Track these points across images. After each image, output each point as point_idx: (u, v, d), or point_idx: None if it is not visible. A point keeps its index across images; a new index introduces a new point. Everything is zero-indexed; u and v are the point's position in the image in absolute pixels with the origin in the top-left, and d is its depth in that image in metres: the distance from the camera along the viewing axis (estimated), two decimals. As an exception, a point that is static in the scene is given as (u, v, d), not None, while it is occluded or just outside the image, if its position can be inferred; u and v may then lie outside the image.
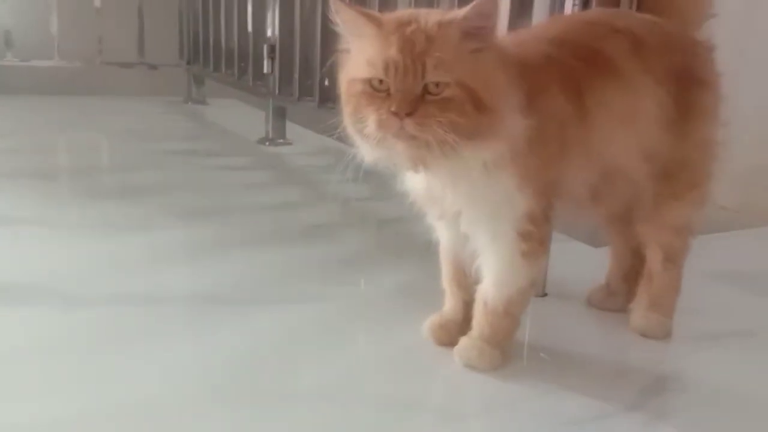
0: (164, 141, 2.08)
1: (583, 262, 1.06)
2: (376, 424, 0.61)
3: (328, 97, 1.73)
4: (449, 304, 0.79)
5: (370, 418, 0.62)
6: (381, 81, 0.63)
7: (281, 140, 2.06)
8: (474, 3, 0.62)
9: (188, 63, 2.85)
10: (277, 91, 1.97)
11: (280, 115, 2.05)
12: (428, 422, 0.63)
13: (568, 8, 0.91)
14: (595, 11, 0.88)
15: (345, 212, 1.42)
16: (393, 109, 0.61)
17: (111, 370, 0.70)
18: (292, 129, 2.09)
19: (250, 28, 2.14)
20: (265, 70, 1.99)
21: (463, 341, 0.74)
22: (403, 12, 0.66)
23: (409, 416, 0.63)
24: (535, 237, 0.69)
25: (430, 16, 0.64)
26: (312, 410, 0.63)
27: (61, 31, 2.75)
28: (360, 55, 0.65)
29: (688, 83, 0.77)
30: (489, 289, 0.72)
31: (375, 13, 0.67)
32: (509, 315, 0.72)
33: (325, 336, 0.79)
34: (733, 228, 1.40)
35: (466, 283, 0.77)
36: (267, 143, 2.05)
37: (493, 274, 0.71)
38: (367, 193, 1.45)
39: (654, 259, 0.82)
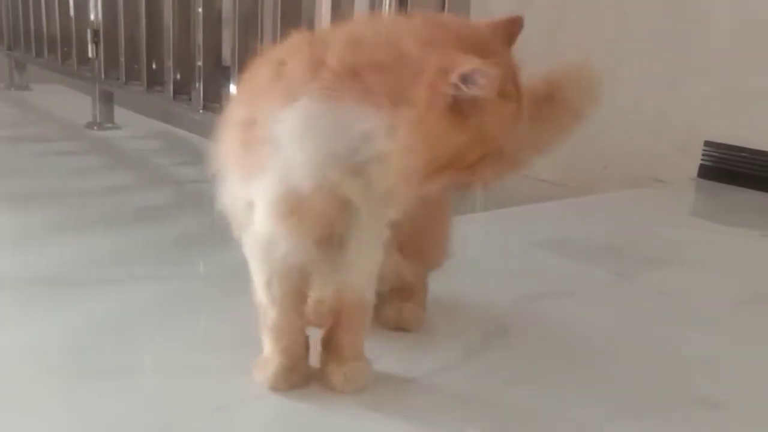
0: (-15, 128, 2.02)
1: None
2: (212, 392, 0.64)
3: (156, 81, 1.76)
4: (289, 339, 0.65)
5: (207, 387, 0.64)
6: None
7: (109, 125, 2.05)
8: None
9: (9, 49, 2.74)
10: (102, 76, 1.96)
11: (107, 99, 2.04)
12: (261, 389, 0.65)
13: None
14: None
15: (179, 194, 1.43)
16: None
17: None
18: (121, 113, 2.09)
19: (72, 12, 2.11)
20: (89, 55, 1.98)
21: (347, 369, 0.65)
22: None
23: (244, 383, 0.65)
24: None
25: None
26: (149, 383, 0.65)
27: None
28: None
29: None
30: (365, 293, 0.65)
31: None
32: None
33: (163, 314, 0.81)
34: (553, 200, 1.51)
35: (302, 308, 0.67)
36: (95, 128, 2.03)
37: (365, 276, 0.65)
38: (200, 175, 1.47)
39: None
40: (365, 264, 0.64)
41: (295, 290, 0.64)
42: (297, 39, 0.61)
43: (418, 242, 0.74)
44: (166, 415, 0.60)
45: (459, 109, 0.52)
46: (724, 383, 0.70)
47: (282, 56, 0.59)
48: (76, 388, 0.64)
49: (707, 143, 1.62)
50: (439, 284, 0.81)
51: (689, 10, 1.64)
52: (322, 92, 0.54)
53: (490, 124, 0.54)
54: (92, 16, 1.96)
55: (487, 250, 0.96)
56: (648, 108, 1.72)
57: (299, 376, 0.65)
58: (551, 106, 0.78)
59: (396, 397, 0.64)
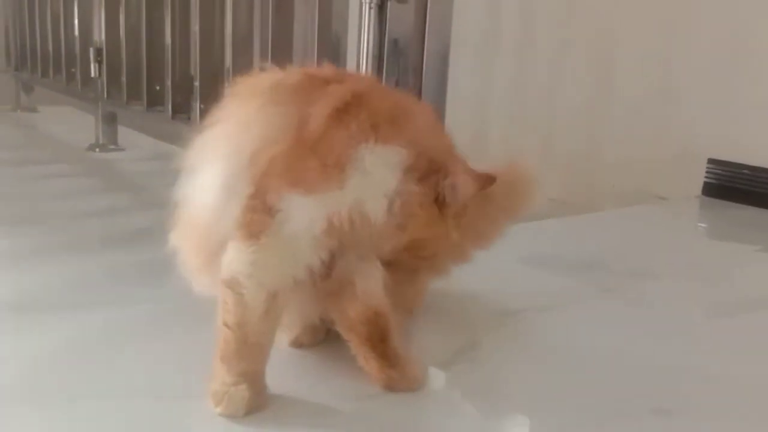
0: (-14, 151, 2.00)
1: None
2: (181, 415, 0.62)
3: (157, 101, 1.73)
4: (261, 361, 0.64)
5: (177, 409, 0.63)
6: None
7: (113, 146, 2.02)
8: None
9: (16, 69, 2.74)
10: (105, 96, 1.94)
11: (110, 120, 2.02)
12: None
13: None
14: None
15: (173, 216, 1.42)
16: None
17: None
18: (127, 134, 2.06)
19: (76, 32, 2.09)
20: (92, 74, 1.95)
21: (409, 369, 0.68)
22: None
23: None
24: None
25: None
26: (117, 407, 0.63)
27: None
28: None
29: None
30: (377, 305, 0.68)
31: None
32: None
33: (148, 334, 0.79)
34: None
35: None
36: (97, 150, 2.00)
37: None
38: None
39: None
40: (369, 282, 0.65)
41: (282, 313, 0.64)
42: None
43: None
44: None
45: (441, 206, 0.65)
46: (681, 393, 0.71)
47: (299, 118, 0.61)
48: (41, 412, 0.62)
49: (711, 161, 1.61)
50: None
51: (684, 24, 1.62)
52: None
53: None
54: (96, 36, 1.94)
55: (470, 267, 0.93)
56: (652, 127, 1.70)
57: (263, 400, 0.63)
58: (489, 205, 0.81)
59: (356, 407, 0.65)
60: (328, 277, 0.65)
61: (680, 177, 1.65)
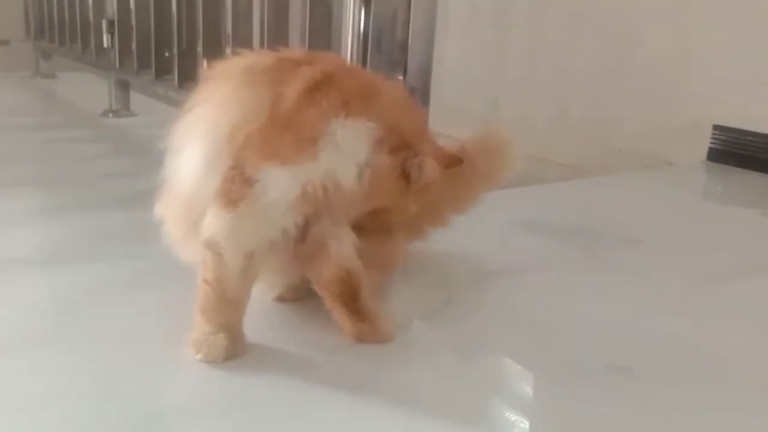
0: (3, 116, 2.06)
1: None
2: (165, 360, 0.67)
3: (165, 69, 1.77)
4: (237, 314, 0.70)
5: (161, 355, 0.68)
6: None
7: (125, 112, 2.08)
8: None
9: (35, 38, 2.79)
10: (117, 64, 1.99)
11: (123, 87, 2.07)
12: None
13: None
14: None
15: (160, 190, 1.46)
16: None
17: None
18: (140, 100, 2.11)
19: (90, 2, 2.14)
20: (105, 45, 2.00)
21: (379, 322, 0.73)
22: None
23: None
24: None
25: None
26: (108, 351, 0.69)
27: None
28: None
29: None
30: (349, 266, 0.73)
31: None
32: None
33: (138, 286, 0.84)
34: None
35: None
36: (110, 115, 2.06)
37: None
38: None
39: None
40: (341, 245, 0.70)
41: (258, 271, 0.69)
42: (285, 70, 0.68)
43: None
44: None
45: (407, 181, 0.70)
46: (642, 352, 0.74)
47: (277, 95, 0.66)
48: (43, 355, 0.67)
49: (716, 127, 1.63)
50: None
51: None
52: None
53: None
54: (108, 7, 1.98)
55: (461, 229, 0.96)
56: (664, 95, 1.72)
57: (241, 348, 0.68)
58: (467, 171, 0.85)
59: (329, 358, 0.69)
60: (304, 241, 0.70)
61: (689, 143, 1.67)
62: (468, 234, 1.05)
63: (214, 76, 0.71)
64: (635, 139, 1.76)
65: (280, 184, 0.64)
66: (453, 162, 0.78)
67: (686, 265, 1.01)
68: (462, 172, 0.87)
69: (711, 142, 1.64)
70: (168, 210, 0.74)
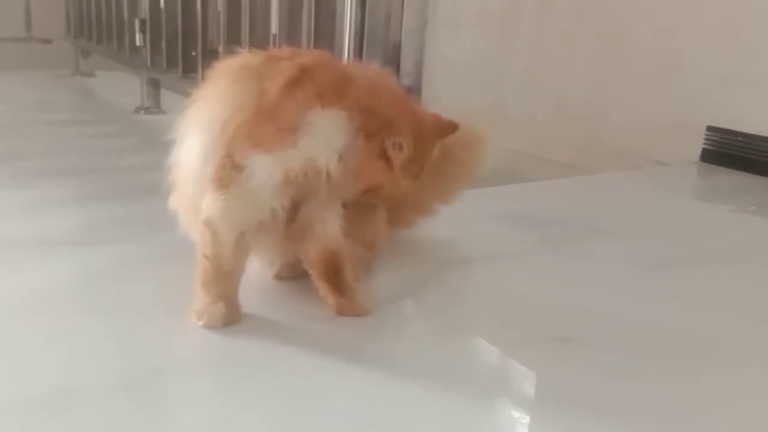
0: (43, 112, 2.19)
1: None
2: (171, 327, 0.76)
3: (192, 68, 1.87)
4: (233, 285, 0.78)
5: (168, 323, 0.77)
6: None
7: (156, 109, 2.19)
8: None
9: (74, 36, 2.92)
10: (149, 63, 2.10)
11: (154, 85, 2.18)
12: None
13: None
14: None
15: (169, 179, 1.54)
16: None
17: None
18: (171, 98, 2.21)
19: (125, 2, 2.25)
20: (137, 43, 2.11)
21: (358, 296, 0.80)
22: None
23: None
24: None
25: None
26: (120, 322, 0.77)
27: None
28: None
29: None
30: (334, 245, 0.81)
31: None
32: None
33: (149, 266, 0.94)
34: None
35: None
36: (142, 112, 2.17)
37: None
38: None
39: None
40: (326, 226, 0.78)
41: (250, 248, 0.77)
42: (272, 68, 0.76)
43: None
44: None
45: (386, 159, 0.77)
46: (586, 327, 0.81)
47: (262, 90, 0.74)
48: (55, 324, 0.77)
49: (709, 128, 1.68)
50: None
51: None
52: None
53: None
54: (141, 7, 2.09)
55: (443, 219, 1.04)
56: (657, 96, 1.77)
57: (237, 316, 0.77)
58: (449, 163, 0.95)
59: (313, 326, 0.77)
60: (293, 223, 0.78)
61: (682, 143, 1.72)
62: (448, 224, 1.13)
63: (212, 75, 0.80)
64: (628, 140, 1.81)
65: (265, 170, 0.72)
66: (448, 129, 0.86)
67: (647, 253, 1.08)
68: (444, 164, 0.95)
69: (704, 143, 1.68)
70: (179, 200, 0.83)
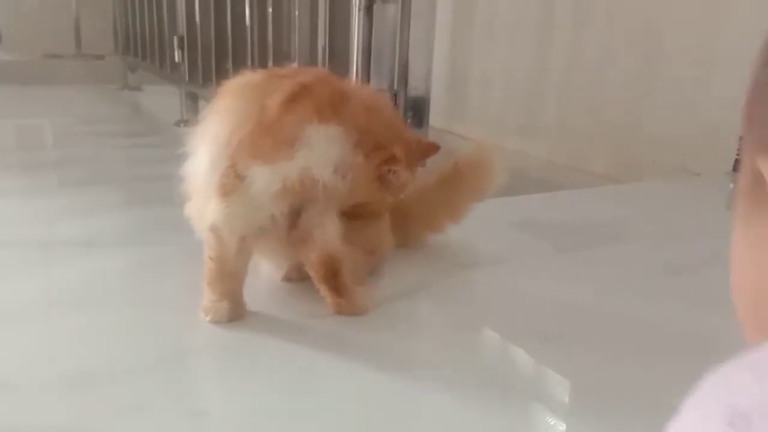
0: (92, 124, 2.31)
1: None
2: (182, 322, 0.83)
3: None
4: (237, 284, 0.84)
5: (179, 318, 0.84)
6: None
7: (195, 122, 2.28)
8: None
9: (123, 53, 3.07)
10: (187, 78, 2.20)
11: (193, 99, 2.28)
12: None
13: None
14: None
15: (183, 188, 1.61)
16: None
17: None
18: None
19: (165, 21, 2.37)
20: (176, 60, 2.22)
21: (357, 295, 0.85)
22: None
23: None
24: None
25: None
26: (138, 315, 0.85)
27: (7, 25, 2.96)
28: None
29: None
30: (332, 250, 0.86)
31: None
32: None
33: (167, 267, 1.01)
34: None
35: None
36: (181, 125, 2.28)
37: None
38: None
39: None
40: (325, 232, 0.84)
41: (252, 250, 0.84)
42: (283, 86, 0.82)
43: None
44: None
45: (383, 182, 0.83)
46: (571, 326, 0.85)
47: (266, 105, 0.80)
48: (84, 318, 0.85)
49: (741, 138, 1.65)
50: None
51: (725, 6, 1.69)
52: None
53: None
54: (179, 25, 2.20)
55: (462, 226, 1.09)
56: (692, 105, 1.77)
57: (242, 312, 0.83)
58: (458, 183, 1.02)
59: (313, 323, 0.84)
60: (294, 229, 0.85)
61: (714, 154, 1.69)
62: (470, 230, 1.16)
63: (220, 92, 0.87)
64: (661, 150, 1.80)
65: (264, 179, 0.79)
66: (429, 150, 0.91)
67: (654, 260, 1.09)
68: (454, 184, 1.01)
69: (737, 154, 1.68)
70: (193, 208, 0.91)
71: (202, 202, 0.86)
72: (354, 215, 0.88)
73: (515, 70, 2.24)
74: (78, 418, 0.65)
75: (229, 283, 0.83)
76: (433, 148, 0.92)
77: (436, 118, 2.10)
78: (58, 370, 0.72)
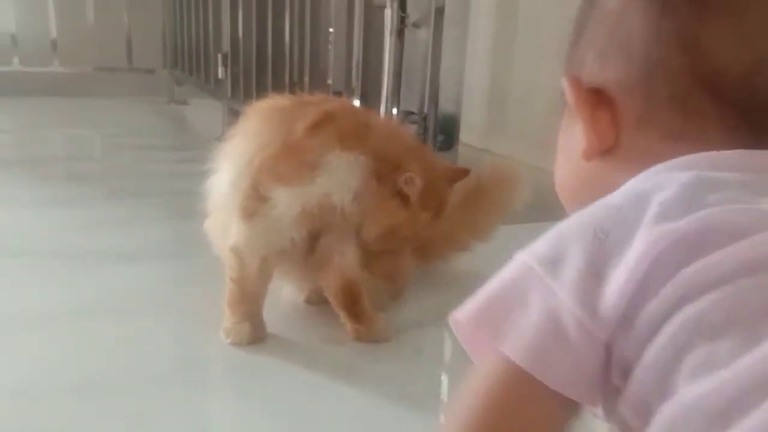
0: (138, 137, 2.37)
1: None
2: (204, 342, 0.85)
3: (266, 99, 1.98)
4: (257, 305, 0.86)
5: (201, 340, 0.86)
6: None
7: (236, 137, 2.31)
8: None
9: (171, 67, 3.13)
10: (229, 94, 2.23)
11: (235, 114, 2.31)
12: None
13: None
14: None
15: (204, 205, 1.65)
16: None
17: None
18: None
19: (211, 38, 2.41)
20: (219, 76, 2.25)
21: (376, 322, 0.86)
22: None
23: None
24: None
25: None
26: (161, 327, 0.89)
27: (60, 38, 3.05)
28: None
29: None
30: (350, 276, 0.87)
31: None
32: None
33: (190, 283, 1.04)
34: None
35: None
36: (222, 140, 2.31)
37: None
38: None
39: None
40: (344, 258, 0.85)
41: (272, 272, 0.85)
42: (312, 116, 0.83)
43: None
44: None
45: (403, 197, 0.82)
46: None
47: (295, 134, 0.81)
48: (113, 321, 0.91)
49: None
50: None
51: None
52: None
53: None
54: (223, 42, 2.23)
55: (488, 253, 1.08)
56: None
57: (262, 334, 0.85)
58: (482, 201, 1.01)
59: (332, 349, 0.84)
60: (313, 254, 0.85)
61: None
62: (490, 258, 1.16)
63: (247, 114, 0.88)
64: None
65: (285, 201, 0.79)
66: (458, 175, 0.91)
67: None
68: (478, 202, 1.00)
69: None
70: (212, 226, 0.92)
71: (222, 219, 0.87)
72: (381, 249, 0.87)
73: (558, 88, 2.21)
74: (79, 425, 0.67)
75: (250, 304, 0.84)
76: (461, 173, 0.91)
77: (473, 137, 2.09)
78: (64, 378, 0.76)
